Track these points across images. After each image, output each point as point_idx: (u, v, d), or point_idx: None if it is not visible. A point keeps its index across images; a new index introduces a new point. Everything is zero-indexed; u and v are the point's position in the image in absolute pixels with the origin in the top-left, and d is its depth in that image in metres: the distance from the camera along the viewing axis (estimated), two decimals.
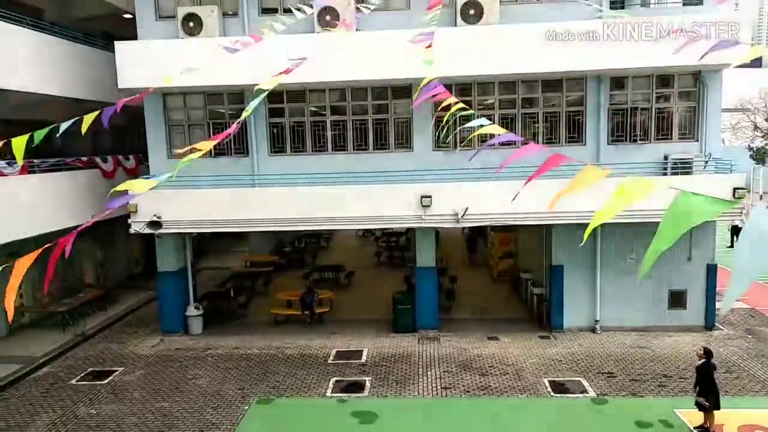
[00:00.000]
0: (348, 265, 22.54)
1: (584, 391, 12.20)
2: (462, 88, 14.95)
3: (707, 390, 10.29)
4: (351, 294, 20.34)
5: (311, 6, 12.50)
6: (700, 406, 10.40)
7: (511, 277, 20.84)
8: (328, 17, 14.06)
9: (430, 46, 8.40)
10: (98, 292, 18.99)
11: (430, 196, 14.12)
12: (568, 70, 14.11)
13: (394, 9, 14.68)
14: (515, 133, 15.08)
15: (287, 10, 14.14)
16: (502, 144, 6.09)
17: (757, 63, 43.58)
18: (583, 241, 2.09)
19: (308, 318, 17.10)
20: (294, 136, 15.68)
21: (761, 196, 40.20)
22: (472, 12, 13.96)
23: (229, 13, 15.26)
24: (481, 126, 5.17)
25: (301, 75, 9.68)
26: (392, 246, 26.68)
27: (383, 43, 13.68)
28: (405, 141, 15.52)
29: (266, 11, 15.20)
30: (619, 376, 12.83)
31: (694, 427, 10.56)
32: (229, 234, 20.36)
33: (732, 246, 26.04)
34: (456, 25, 14.07)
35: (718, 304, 15.60)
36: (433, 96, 7.35)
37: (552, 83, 15.05)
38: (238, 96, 15.44)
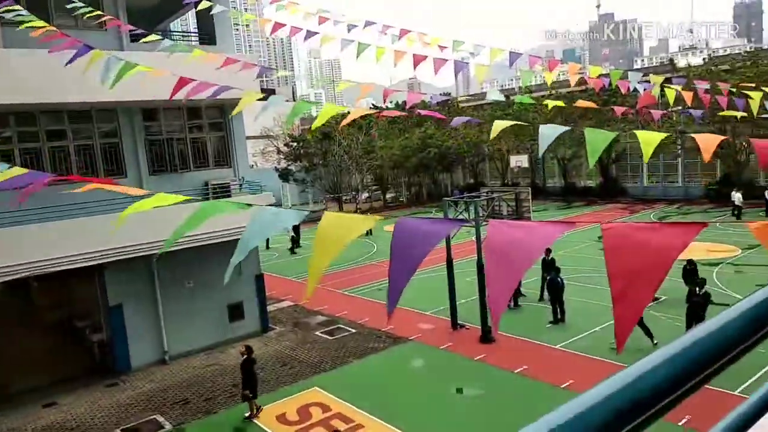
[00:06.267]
0: None
1: (161, 427, 11.92)
2: None
3: (250, 382, 11.78)
4: None
5: None
6: (245, 398, 11.79)
7: (66, 327, 18.48)
8: None
9: None
10: None
11: None
12: (89, 101, 13.37)
13: None
14: (45, 168, 13.46)
15: None
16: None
17: (271, 94, 51.41)
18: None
19: None
20: None
21: (290, 207, 47.77)
22: None
23: None
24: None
25: None
26: None
27: None
28: None
29: None
30: (194, 400, 13.07)
31: (244, 418, 11.85)
32: None
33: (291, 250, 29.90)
34: None
35: (269, 308, 17.67)
36: None
37: (81, 114, 14.06)
38: None
